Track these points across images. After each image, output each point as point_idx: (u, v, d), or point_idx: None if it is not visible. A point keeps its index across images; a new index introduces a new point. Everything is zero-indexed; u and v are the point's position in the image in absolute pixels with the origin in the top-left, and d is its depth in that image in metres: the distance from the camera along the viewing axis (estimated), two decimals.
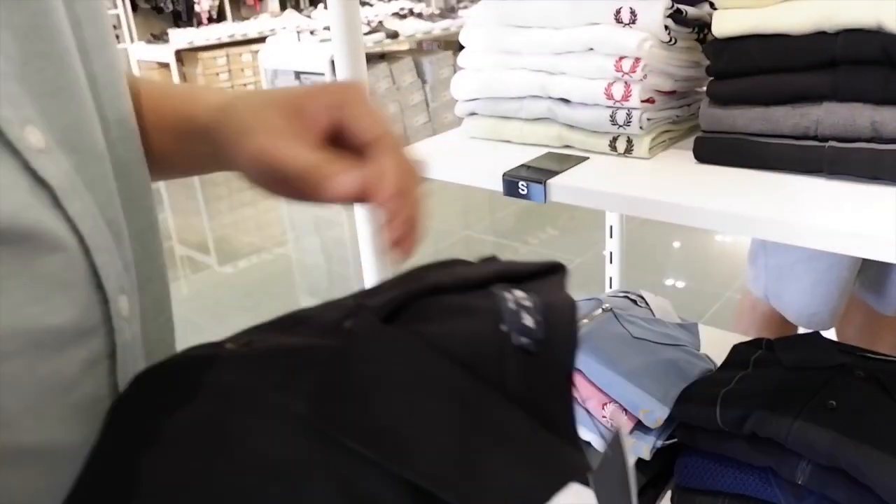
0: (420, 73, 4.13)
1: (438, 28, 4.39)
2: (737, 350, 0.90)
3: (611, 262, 1.37)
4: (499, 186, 0.75)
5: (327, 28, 4.14)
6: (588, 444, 0.88)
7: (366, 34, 4.07)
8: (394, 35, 4.09)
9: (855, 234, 0.55)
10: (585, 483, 0.31)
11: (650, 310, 1.02)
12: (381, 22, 4.30)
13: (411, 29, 4.23)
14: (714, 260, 3.02)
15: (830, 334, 1.32)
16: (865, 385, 0.76)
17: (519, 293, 0.37)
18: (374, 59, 4.02)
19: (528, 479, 0.30)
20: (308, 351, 0.34)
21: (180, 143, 0.49)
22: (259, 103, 0.42)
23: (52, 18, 0.36)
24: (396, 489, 0.29)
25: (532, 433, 0.32)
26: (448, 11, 4.94)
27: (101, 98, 0.40)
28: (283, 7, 6.57)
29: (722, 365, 0.89)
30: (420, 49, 4.50)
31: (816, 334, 0.88)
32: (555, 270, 0.42)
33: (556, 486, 0.30)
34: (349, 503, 0.28)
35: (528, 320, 0.35)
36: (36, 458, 0.34)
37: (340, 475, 0.29)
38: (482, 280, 0.39)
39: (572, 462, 0.33)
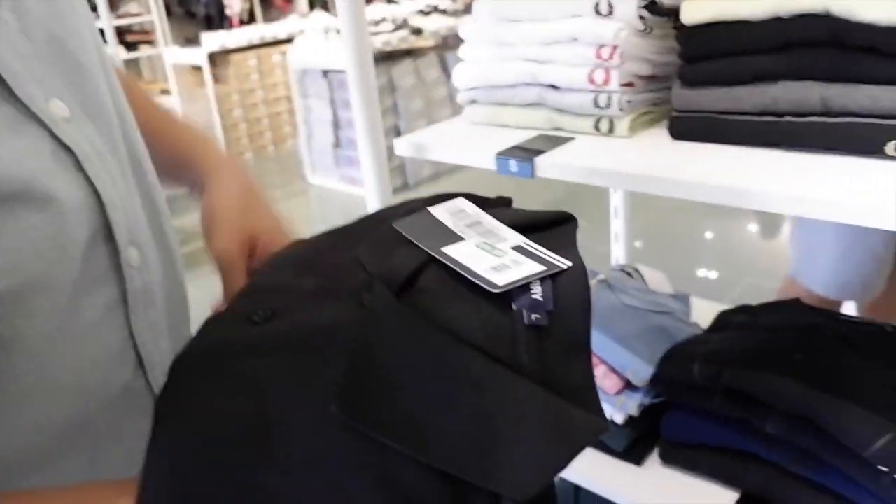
0: (445, 68, 4.21)
1: (462, 23, 4.46)
2: (721, 315, 0.96)
3: (616, 241, 1.43)
4: (493, 165, 0.83)
5: None
6: None
7: (391, 31, 4.16)
8: (418, 32, 4.18)
9: (800, 199, 0.62)
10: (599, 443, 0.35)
11: (644, 281, 1.09)
12: (405, 19, 4.39)
13: (435, 25, 4.31)
14: (735, 247, 3.05)
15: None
16: (833, 342, 0.82)
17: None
18: (399, 55, 4.11)
19: (545, 449, 0.32)
20: (331, 332, 0.36)
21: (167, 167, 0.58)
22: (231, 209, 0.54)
23: (70, 2, 0.42)
24: (430, 478, 0.30)
25: (546, 405, 0.33)
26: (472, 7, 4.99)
27: (108, 73, 0.46)
28: (311, 7, 6.70)
29: (707, 329, 0.95)
30: (445, 44, 4.57)
31: (796, 300, 0.94)
32: (565, 221, 0.42)
33: (572, 451, 0.33)
34: (389, 495, 0.31)
35: (538, 292, 0.35)
36: (66, 393, 0.41)
37: (377, 469, 0.31)
38: None
39: (588, 427, 0.34)
